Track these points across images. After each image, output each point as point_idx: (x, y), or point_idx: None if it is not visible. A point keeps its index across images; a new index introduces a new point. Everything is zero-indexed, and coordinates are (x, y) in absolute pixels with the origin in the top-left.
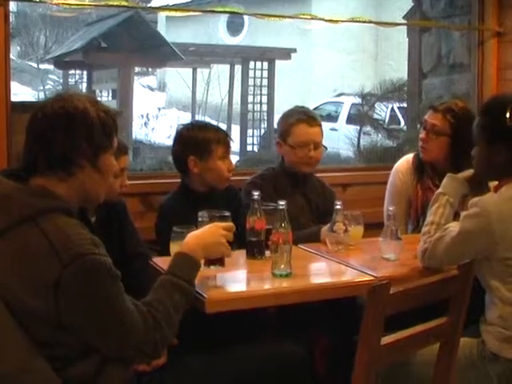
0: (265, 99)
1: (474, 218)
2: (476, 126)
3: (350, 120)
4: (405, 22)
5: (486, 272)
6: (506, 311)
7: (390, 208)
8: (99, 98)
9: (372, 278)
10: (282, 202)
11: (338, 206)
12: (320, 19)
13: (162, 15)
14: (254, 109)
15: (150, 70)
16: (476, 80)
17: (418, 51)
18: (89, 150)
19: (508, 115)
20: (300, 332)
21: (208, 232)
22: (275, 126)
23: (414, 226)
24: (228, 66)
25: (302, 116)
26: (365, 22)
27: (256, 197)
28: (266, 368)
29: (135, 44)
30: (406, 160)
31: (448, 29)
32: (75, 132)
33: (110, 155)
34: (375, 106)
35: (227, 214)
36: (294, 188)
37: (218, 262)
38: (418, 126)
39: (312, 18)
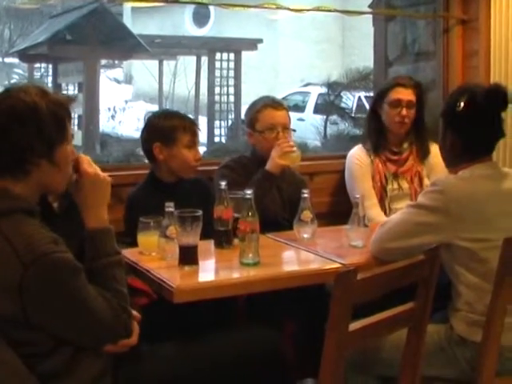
0: (232, 90)
1: (434, 195)
2: (439, 115)
3: (318, 110)
4: (370, 10)
5: (449, 258)
6: (472, 296)
7: (357, 196)
8: (65, 92)
9: (340, 265)
10: (248, 191)
11: (305, 195)
12: (285, 8)
13: (127, 7)
14: (220, 100)
15: (116, 62)
16: (441, 68)
17: (384, 40)
18: (43, 147)
19: (459, 102)
20: (270, 318)
21: (90, 189)
22: (242, 117)
23: (380, 197)
24: (194, 58)
25: (267, 101)
26: (330, 10)
27: (223, 186)
28: (238, 353)
29: (101, 36)
30: (356, 147)
31: (413, 17)
32: (27, 131)
33: (66, 145)
34: (342, 95)
35: (199, 212)
36: None
37: (192, 261)
38: (387, 106)
39: (277, 8)
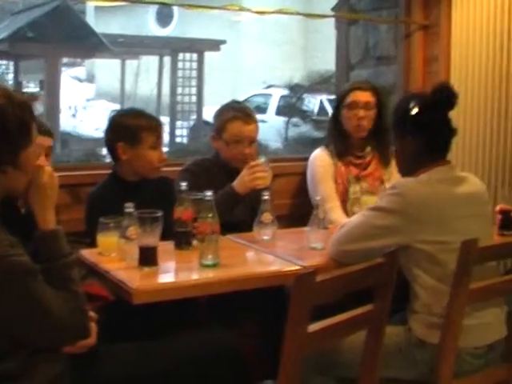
0: (194, 91)
1: (393, 197)
2: (390, 127)
3: (279, 112)
4: (332, 14)
5: (407, 261)
6: (430, 298)
7: (317, 197)
8: (26, 89)
9: (299, 267)
10: (209, 193)
11: (266, 197)
12: (248, 10)
13: (90, 5)
14: (183, 100)
15: (78, 60)
16: (402, 72)
17: (346, 43)
18: (9, 155)
19: (411, 107)
20: (230, 318)
21: (42, 188)
22: (204, 117)
23: (342, 200)
24: (157, 58)
25: (238, 113)
26: (292, 13)
27: (183, 187)
28: (197, 354)
29: (63, 34)
30: (319, 149)
31: (375, 22)
32: None
33: (30, 148)
34: (304, 97)
35: (158, 213)
36: (227, 180)
37: (152, 262)
38: (345, 109)
39: (240, 10)
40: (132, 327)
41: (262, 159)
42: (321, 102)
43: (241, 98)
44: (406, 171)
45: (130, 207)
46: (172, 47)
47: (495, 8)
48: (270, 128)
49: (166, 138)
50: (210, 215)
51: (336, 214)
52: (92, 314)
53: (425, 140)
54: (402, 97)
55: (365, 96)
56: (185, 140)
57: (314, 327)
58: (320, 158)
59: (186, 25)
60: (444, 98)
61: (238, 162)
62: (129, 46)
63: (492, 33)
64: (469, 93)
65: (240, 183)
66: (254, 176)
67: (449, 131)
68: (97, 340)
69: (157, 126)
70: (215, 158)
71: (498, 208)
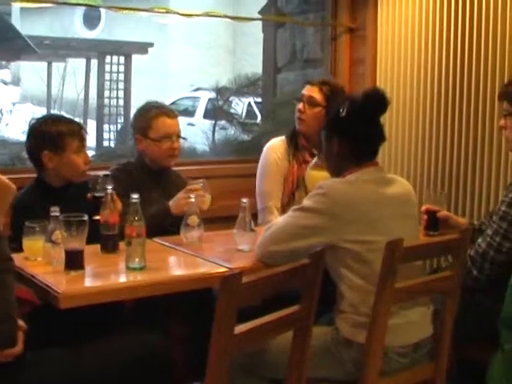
0: (121, 94)
1: (318, 197)
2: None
3: (207, 115)
4: (260, 17)
5: (333, 261)
6: (356, 298)
7: (244, 200)
8: None
9: (226, 269)
10: (135, 196)
11: (192, 200)
12: (175, 13)
13: (16, 7)
14: (110, 104)
15: (3, 63)
16: (329, 75)
17: (273, 46)
18: None
19: (342, 109)
20: (158, 321)
21: None
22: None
23: (288, 200)
24: (84, 60)
25: (160, 110)
26: (220, 16)
27: (109, 191)
28: (125, 358)
29: None
30: (279, 139)
31: (302, 25)
32: None
33: None
34: (232, 100)
35: (84, 217)
36: (151, 182)
37: (78, 266)
38: (295, 101)
39: (167, 12)
40: (59, 332)
41: (200, 183)
42: (249, 105)
43: (169, 101)
44: (334, 172)
45: (55, 211)
46: (99, 50)
47: (420, 12)
48: (198, 131)
49: (93, 141)
50: (137, 218)
51: (273, 215)
52: (21, 323)
53: (350, 144)
54: (340, 99)
55: (310, 90)
56: (112, 144)
57: (240, 329)
58: (276, 149)
59: (113, 27)
60: (374, 102)
61: (167, 159)
62: (55, 49)
63: (417, 36)
64: (394, 95)
65: (176, 205)
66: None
67: (376, 137)
68: (24, 347)
69: (79, 130)
70: (138, 161)
71: (423, 208)
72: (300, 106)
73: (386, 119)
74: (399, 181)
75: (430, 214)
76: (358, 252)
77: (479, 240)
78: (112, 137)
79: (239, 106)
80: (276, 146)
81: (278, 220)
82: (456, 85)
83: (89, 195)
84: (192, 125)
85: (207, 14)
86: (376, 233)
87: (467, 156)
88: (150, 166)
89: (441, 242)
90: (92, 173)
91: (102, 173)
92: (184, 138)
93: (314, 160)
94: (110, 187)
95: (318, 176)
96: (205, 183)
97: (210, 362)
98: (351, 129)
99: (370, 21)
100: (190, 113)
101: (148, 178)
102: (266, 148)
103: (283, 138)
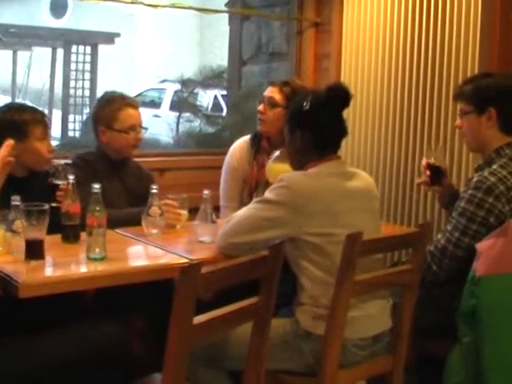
0: (87, 84)
1: (279, 190)
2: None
3: (173, 106)
4: (226, 9)
5: (294, 253)
6: (316, 290)
7: (206, 192)
8: None
9: (187, 260)
10: (96, 186)
11: (154, 190)
12: (140, 3)
13: None
14: (75, 94)
15: None
16: (294, 69)
17: (239, 39)
18: None
19: (305, 103)
20: (117, 313)
21: None
22: None
23: (248, 201)
24: (50, 50)
25: (125, 100)
26: (185, 7)
27: (71, 180)
28: (85, 349)
29: None
30: (243, 140)
31: (268, 18)
32: None
33: None
34: (198, 93)
35: (46, 207)
36: (111, 173)
37: (39, 256)
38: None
39: (133, 2)
40: (19, 321)
41: (179, 199)
42: (215, 98)
43: (135, 93)
44: (296, 165)
45: (16, 200)
46: (65, 39)
47: (385, 8)
48: (163, 123)
49: (58, 131)
50: (98, 208)
51: (228, 216)
52: None
53: (313, 137)
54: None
55: (271, 91)
56: (77, 134)
57: (199, 319)
58: (238, 151)
59: (80, 17)
60: (337, 96)
61: (130, 149)
62: (21, 37)
63: (382, 31)
64: (358, 89)
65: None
66: (167, 215)
67: (339, 131)
68: None
69: (42, 118)
70: (98, 152)
71: (424, 163)
72: (261, 107)
73: (349, 114)
74: (361, 175)
75: (433, 169)
76: (318, 244)
77: (439, 236)
78: (77, 127)
79: (204, 98)
80: (239, 147)
81: (240, 212)
82: (419, 80)
83: (49, 180)
84: (158, 116)
85: (173, 6)
86: (337, 225)
87: None
88: (110, 157)
89: (400, 235)
90: (55, 161)
91: (63, 161)
92: (145, 128)
93: (276, 153)
94: (71, 177)
95: (279, 169)
96: (184, 200)
97: (168, 353)
98: (314, 122)
99: (336, 16)
100: (156, 104)
101: (108, 167)
102: (230, 149)
103: (247, 138)
